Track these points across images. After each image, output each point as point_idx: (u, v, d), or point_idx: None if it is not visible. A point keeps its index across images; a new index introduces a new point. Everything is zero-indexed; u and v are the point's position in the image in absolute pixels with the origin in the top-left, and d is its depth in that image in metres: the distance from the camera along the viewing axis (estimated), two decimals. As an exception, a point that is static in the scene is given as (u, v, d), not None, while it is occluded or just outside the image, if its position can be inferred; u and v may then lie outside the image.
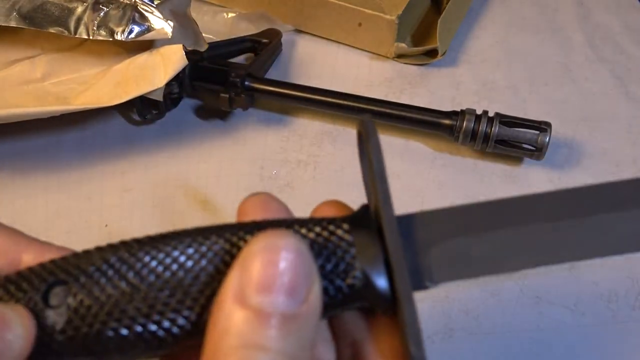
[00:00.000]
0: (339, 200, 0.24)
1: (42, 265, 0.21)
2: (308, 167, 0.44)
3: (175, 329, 0.19)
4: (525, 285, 0.37)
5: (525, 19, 0.55)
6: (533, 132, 0.41)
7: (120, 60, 0.42)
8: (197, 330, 0.19)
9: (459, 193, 0.42)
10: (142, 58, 0.40)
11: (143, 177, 0.44)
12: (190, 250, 0.20)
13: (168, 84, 0.40)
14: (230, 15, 0.54)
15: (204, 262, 0.20)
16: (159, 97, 0.40)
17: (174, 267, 0.20)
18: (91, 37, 0.39)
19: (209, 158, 0.45)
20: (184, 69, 0.41)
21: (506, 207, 0.22)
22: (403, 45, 0.49)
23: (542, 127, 0.41)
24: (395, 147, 0.45)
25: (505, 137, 0.41)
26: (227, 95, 0.44)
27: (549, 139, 0.40)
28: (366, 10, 0.49)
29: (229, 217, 0.42)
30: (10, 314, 0.19)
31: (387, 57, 0.51)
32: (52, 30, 0.40)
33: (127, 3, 0.40)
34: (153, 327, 0.19)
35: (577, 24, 0.54)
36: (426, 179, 0.43)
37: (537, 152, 0.41)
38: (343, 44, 0.53)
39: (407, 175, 0.43)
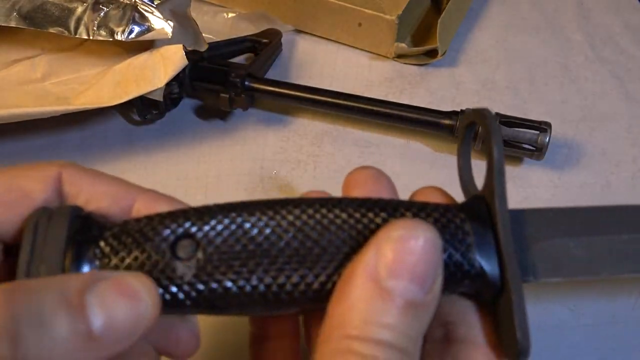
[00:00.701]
0: (438, 187, 0.25)
1: (165, 217, 0.21)
2: (308, 167, 0.44)
3: (297, 294, 0.20)
4: (525, 285, 0.37)
5: (525, 19, 0.55)
6: (533, 132, 0.41)
7: (120, 60, 0.42)
8: (318, 298, 0.20)
9: (459, 193, 0.42)
10: (142, 58, 0.40)
11: (143, 177, 0.44)
12: (313, 222, 0.21)
13: (168, 84, 0.40)
14: (230, 15, 0.54)
15: (329, 235, 0.21)
16: (159, 97, 0.40)
17: (300, 235, 0.21)
18: (91, 37, 0.39)
19: (209, 158, 0.45)
20: (184, 69, 0.41)
21: (609, 215, 0.24)
22: (403, 45, 0.49)
23: (542, 127, 0.41)
24: (395, 147, 0.45)
25: (505, 137, 0.41)
26: (227, 95, 0.44)
27: (549, 139, 0.40)
28: (366, 10, 0.49)
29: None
30: (137, 285, 0.19)
31: (387, 57, 0.51)
32: (52, 30, 0.40)
33: (127, 3, 0.40)
34: (276, 289, 0.20)
35: (577, 24, 0.54)
36: (426, 179, 0.43)
37: (537, 152, 0.41)
38: (343, 44, 0.53)
39: (407, 175, 0.43)
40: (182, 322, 0.23)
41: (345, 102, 0.44)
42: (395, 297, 0.18)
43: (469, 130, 0.25)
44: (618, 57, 0.51)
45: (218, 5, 0.55)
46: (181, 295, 0.20)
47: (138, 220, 0.22)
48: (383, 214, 0.21)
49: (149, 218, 0.21)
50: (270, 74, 0.50)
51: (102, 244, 0.21)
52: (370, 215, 0.21)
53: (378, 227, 0.21)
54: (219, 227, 0.21)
